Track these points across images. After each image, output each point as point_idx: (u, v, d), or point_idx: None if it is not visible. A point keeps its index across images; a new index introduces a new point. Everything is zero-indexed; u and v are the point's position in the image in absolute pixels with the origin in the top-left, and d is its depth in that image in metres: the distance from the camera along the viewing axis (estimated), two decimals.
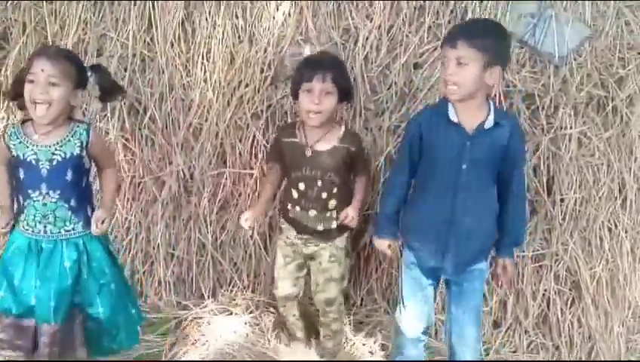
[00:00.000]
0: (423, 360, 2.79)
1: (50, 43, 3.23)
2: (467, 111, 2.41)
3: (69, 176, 2.42)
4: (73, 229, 2.47)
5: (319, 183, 2.71)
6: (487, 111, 2.42)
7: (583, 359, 3.06)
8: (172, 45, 3.18)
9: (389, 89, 3.05)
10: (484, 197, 2.49)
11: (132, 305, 2.71)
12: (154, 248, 3.31)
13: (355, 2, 3.05)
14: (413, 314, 2.65)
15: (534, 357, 3.07)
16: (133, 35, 3.20)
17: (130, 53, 3.21)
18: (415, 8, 3.03)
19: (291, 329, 3.03)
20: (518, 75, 2.92)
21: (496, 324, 3.13)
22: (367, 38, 3.01)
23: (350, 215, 2.72)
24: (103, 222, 2.47)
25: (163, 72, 3.19)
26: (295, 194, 2.76)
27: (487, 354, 3.04)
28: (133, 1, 3.18)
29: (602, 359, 3.06)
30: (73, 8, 3.22)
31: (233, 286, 3.30)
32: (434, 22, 3.01)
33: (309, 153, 2.71)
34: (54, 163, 2.40)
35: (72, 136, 2.42)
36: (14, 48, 3.28)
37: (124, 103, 3.24)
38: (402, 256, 2.66)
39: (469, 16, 2.98)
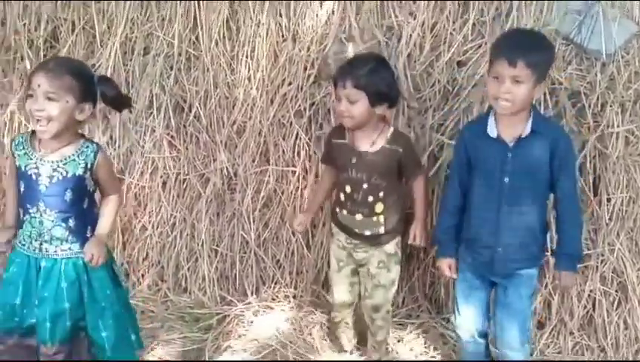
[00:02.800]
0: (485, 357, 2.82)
1: (99, 41, 3.31)
2: (509, 123, 2.45)
3: (68, 196, 2.33)
4: (70, 249, 2.39)
5: (365, 186, 2.69)
6: (527, 121, 2.44)
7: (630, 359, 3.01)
8: (217, 44, 3.22)
9: (432, 87, 3.04)
10: (531, 210, 2.50)
11: (132, 330, 2.63)
12: (198, 244, 3.35)
13: (398, 0, 3.05)
14: (467, 317, 2.68)
15: (579, 358, 3.02)
16: (179, 34, 3.24)
17: (176, 51, 3.26)
18: (459, 5, 3.00)
19: (340, 338, 3.02)
20: (564, 73, 2.88)
21: (540, 325, 3.09)
22: (410, 36, 3.00)
23: (417, 235, 2.76)
24: (95, 257, 2.36)
25: (208, 70, 3.23)
26: (342, 197, 2.76)
27: (532, 355, 3.00)
28: (179, 1, 3.23)
29: None
30: (121, 7, 3.28)
31: (276, 284, 3.33)
32: (478, 19, 2.98)
33: (354, 154, 2.70)
34: (54, 180, 2.31)
35: (78, 156, 2.33)
36: (64, 47, 3.36)
37: (170, 101, 3.29)
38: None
39: (514, 14, 2.94)
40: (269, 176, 3.24)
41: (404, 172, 2.76)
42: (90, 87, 2.34)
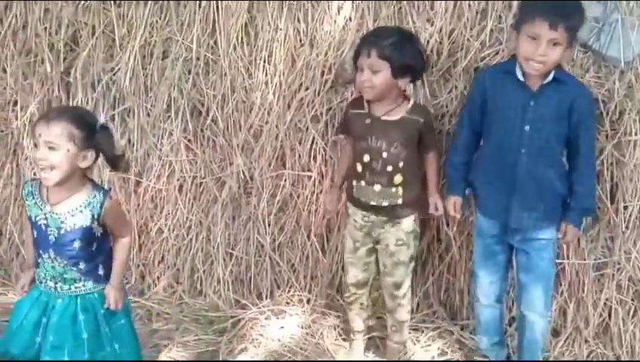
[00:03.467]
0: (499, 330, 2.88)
1: (118, 45, 3.35)
2: (536, 80, 2.49)
3: (77, 245, 2.37)
4: (84, 286, 2.44)
5: (384, 155, 2.69)
6: (550, 73, 2.49)
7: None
8: (235, 48, 3.23)
9: (449, 93, 3.03)
10: (550, 161, 2.53)
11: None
12: (214, 247, 3.37)
13: (416, 5, 3.05)
14: (485, 282, 2.73)
15: None
16: (198, 39, 3.26)
17: (195, 56, 3.28)
18: (477, 12, 3.00)
19: (353, 320, 2.99)
20: (582, 80, 2.86)
21: (555, 333, 3.08)
22: (427, 42, 3.00)
23: (438, 204, 2.76)
24: (113, 304, 2.45)
25: (225, 74, 3.24)
26: (359, 168, 2.74)
27: (547, 352, 3.00)
28: (198, 5, 3.25)
29: None
30: (140, 12, 3.30)
31: (290, 287, 3.33)
32: (496, 26, 2.97)
33: (375, 122, 2.71)
34: (62, 231, 2.35)
35: (85, 208, 2.35)
36: (84, 50, 3.38)
37: (188, 105, 3.31)
38: (475, 224, 2.73)
39: None
40: (285, 181, 3.25)
41: (422, 144, 2.77)
42: (91, 135, 2.33)
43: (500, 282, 2.75)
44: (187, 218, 3.39)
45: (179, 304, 3.37)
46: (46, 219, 2.36)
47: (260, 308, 3.25)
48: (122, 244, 2.50)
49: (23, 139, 3.52)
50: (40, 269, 2.44)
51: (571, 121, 2.50)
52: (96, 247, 2.43)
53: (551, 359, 3.01)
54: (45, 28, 3.44)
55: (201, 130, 3.34)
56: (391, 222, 2.78)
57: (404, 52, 2.66)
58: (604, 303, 3.01)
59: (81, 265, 2.40)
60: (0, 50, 3.50)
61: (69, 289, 2.43)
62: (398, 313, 2.91)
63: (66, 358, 2.39)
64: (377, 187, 2.72)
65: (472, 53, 2.98)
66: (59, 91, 3.47)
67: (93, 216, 2.36)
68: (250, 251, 3.35)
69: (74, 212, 2.35)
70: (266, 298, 3.33)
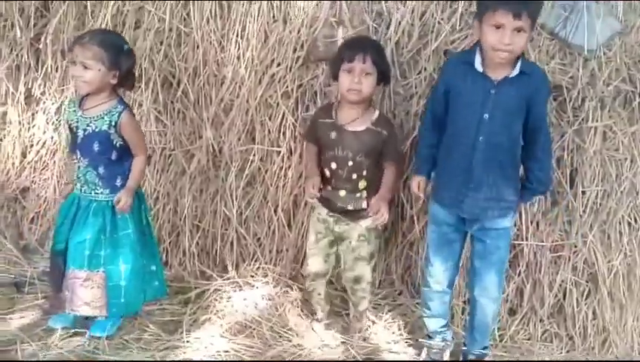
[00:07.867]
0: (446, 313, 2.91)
1: (90, 12, 3.33)
2: (501, 68, 2.48)
3: (96, 147, 2.75)
4: (102, 193, 2.82)
5: (350, 164, 2.79)
6: (515, 64, 2.48)
7: (596, 350, 3.09)
8: (208, 21, 3.24)
9: (418, 74, 3.09)
10: (506, 150, 2.55)
11: (155, 277, 3.02)
12: (180, 219, 3.39)
13: None
14: (440, 269, 2.76)
15: (548, 345, 3.10)
16: (171, 10, 3.26)
17: (167, 27, 3.28)
18: None
19: (314, 307, 3.11)
20: (547, 67, 2.94)
21: (512, 312, 3.17)
22: (399, 23, 3.05)
23: (381, 210, 2.75)
24: (122, 203, 2.77)
25: (198, 47, 3.25)
26: (327, 173, 2.85)
27: (502, 341, 3.09)
28: None
29: (615, 351, 3.09)
30: None
31: (255, 261, 3.37)
32: (466, 9, 3.03)
33: (342, 133, 2.79)
34: (86, 133, 2.76)
35: (106, 115, 2.74)
36: (54, 17, 3.36)
37: (159, 76, 3.31)
38: (430, 212, 2.74)
39: None
40: (254, 155, 3.28)
41: (383, 154, 2.83)
42: (118, 57, 2.72)
43: (453, 268, 2.80)
44: (155, 189, 3.39)
45: None
46: (77, 122, 2.77)
47: (224, 280, 3.28)
48: (136, 160, 2.84)
49: None
50: (76, 173, 2.85)
51: (532, 111, 2.52)
52: (116, 157, 2.80)
53: (506, 337, 3.10)
54: None
55: (172, 102, 3.35)
56: (355, 220, 2.87)
57: (385, 59, 2.83)
58: (560, 284, 3.11)
59: (100, 170, 2.79)
60: None
61: (90, 193, 2.82)
62: (360, 305, 3.02)
63: (87, 252, 2.79)
64: (342, 192, 2.84)
65: (443, 35, 3.04)
66: (28, 57, 3.45)
67: (111, 122, 2.74)
68: (216, 224, 3.37)
69: (97, 118, 2.75)
70: (232, 270, 3.35)
